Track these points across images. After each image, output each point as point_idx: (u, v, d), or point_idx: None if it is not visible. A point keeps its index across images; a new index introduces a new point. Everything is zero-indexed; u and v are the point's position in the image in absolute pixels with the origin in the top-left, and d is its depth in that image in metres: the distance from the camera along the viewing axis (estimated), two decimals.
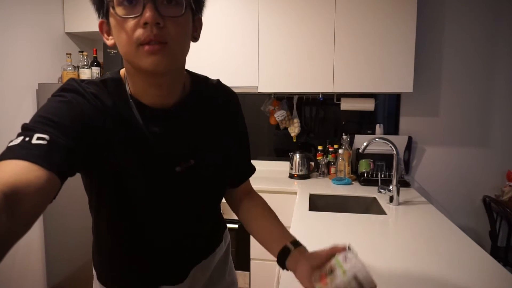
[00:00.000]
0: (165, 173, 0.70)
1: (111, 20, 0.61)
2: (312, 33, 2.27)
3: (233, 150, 0.82)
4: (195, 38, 0.69)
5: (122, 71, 0.70)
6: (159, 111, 0.68)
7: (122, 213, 0.72)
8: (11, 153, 0.50)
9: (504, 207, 2.17)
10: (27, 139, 0.52)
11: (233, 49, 2.36)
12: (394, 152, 1.82)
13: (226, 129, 0.79)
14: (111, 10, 0.59)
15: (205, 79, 0.79)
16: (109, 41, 0.64)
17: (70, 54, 2.43)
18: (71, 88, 0.63)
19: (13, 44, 2.14)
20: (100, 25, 0.65)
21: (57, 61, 2.48)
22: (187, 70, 0.76)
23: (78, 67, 2.44)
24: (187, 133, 0.71)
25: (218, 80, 0.82)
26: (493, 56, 2.45)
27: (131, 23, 0.58)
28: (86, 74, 2.41)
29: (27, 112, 2.27)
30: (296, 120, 2.62)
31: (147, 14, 0.56)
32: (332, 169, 2.50)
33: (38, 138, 0.52)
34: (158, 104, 0.68)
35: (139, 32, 0.57)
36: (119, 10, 0.58)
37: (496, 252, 2.27)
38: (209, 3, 0.71)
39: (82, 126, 0.59)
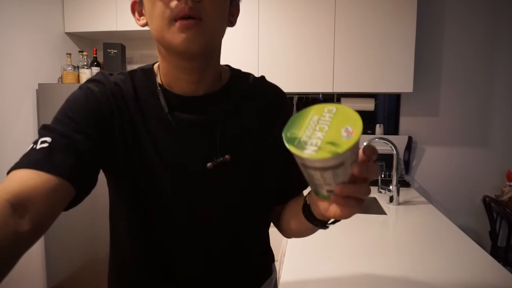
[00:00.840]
0: (193, 167, 0.63)
1: None
2: (312, 33, 2.27)
3: (274, 155, 0.70)
4: (231, 23, 0.66)
5: (156, 64, 0.68)
6: (188, 98, 0.64)
7: (139, 219, 0.65)
8: (18, 163, 0.51)
9: (504, 207, 2.17)
10: (34, 146, 0.53)
11: (233, 49, 2.36)
12: (394, 152, 1.82)
13: (266, 131, 0.69)
14: None
15: (246, 75, 0.74)
16: (140, 21, 0.63)
17: (70, 54, 2.43)
18: (94, 78, 0.64)
19: (13, 44, 2.14)
20: (132, 5, 0.64)
21: (57, 61, 2.48)
22: (229, 66, 0.73)
23: (78, 67, 2.44)
24: (219, 126, 0.65)
25: (262, 77, 0.75)
26: (493, 57, 2.45)
27: None
28: (86, 74, 2.41)
29: (27, 112, 2.28)
30: None
31: None
32: None
33: (42, 142, 0.53)
34: (188, 93, 0.64)
35: (174, 3, 0.54)
36: None
37: (496, 252, 2.27)
38: None
39: (96, 118, 0.59)
